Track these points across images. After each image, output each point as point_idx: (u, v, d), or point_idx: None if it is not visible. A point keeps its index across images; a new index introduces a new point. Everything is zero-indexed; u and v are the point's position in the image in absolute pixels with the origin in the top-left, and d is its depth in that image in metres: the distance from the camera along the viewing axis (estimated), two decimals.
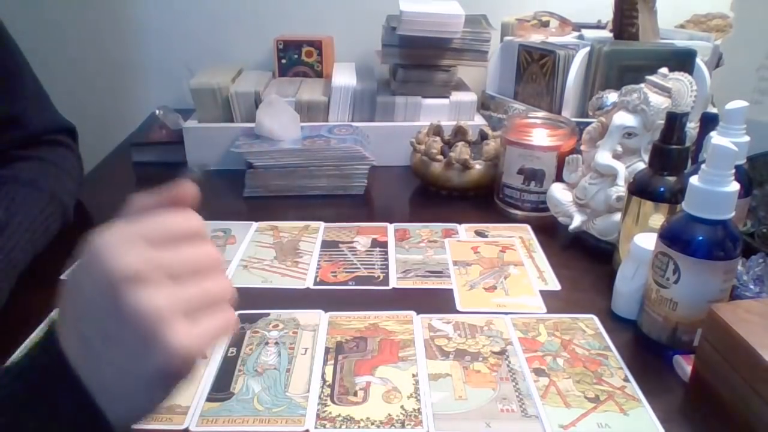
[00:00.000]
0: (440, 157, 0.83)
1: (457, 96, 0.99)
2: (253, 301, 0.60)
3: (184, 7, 1.19)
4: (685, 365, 0.49)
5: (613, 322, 0.57)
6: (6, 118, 0.65)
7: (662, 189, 0.58)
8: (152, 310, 0.29)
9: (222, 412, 0.46)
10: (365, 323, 0.57)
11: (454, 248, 0.71)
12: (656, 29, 0.95)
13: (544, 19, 1.07)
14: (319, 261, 0.68)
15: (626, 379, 0.49)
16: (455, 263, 0.67)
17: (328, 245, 0.72)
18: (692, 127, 0.70)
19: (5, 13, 0.68)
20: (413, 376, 0.50)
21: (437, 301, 0.60)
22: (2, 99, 0.65)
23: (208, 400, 0.47)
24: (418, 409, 0.46)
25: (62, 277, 0.61)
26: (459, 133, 0.92)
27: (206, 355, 0.51)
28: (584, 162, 0.70)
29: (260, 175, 0.85)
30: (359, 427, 0.44)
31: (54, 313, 0.31)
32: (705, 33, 1.02)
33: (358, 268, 0.67)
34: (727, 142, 0.46)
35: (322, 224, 0.77)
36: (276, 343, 0.54)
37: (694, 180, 0.47)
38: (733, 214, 0.47)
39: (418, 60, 0.96)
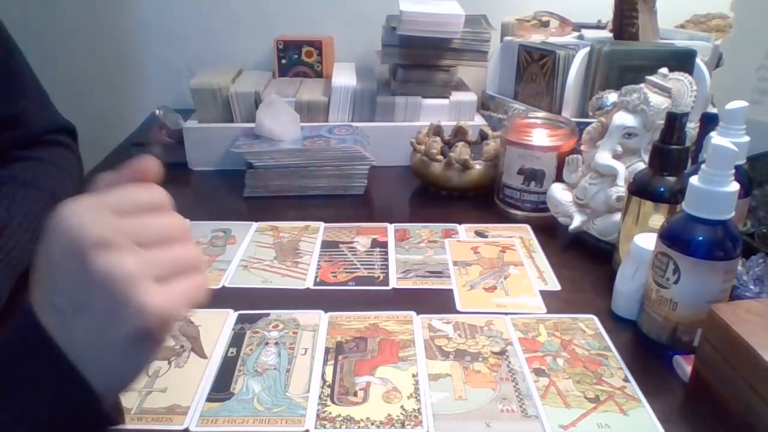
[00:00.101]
0: (440, 157, 0.83)
1: (457, 96, 0.99)
2: (253, 301, 0.60)
3: (184, 8, 1.19)
4: (685, 365, 0.49)
5: (613, 322, 0.57)
6: (6, 118, 0.65)
7: (662, 189, 0.58)
8: (122, 274, 0.29)
9: (222, 412, 0.46)
10: (365, 323, 0.57)
11: (454, 248, 0.71)
12: (656, 29, 0.95)
13: (544, 19, 1.07)
14: (319, 261, 0.68)
15: (626, 380, 0.49)
16: (455, 263, 0.67)
17: (328, 245, 0.72)
18: (692, 127, 0.70)
19: (5, 13, 0.68)
20: (413, 376, 0.50)
21: (437, 302, 0.60)
22: (2, 99, 0.65)
23: (208, 400, 0.47)
24: (418, 409, 0.46)
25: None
26: (459, 133, 0.92)
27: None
28: (584, 162, 0.70)
29: (260, 175, 0.85)
30: (359, 427, 0.44)
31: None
32: (705, 33, 1.02)
33: (358, 268, 0.67)
34: (727, 142, 0.46)
35: (322, 224, 0.77)
36: (276, 344, 0.54)
37: (694, 180, 0.47)
38: (733, 214, 0.47)
39: (418, 60, 0.96)
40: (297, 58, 1.11)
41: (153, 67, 1.24)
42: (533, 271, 0.66)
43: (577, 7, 1.12)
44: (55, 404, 0.30)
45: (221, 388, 0.48)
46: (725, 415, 0.45)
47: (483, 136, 0.89)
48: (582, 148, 0.71)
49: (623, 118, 0.64)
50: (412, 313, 0.58)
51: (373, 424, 0.45)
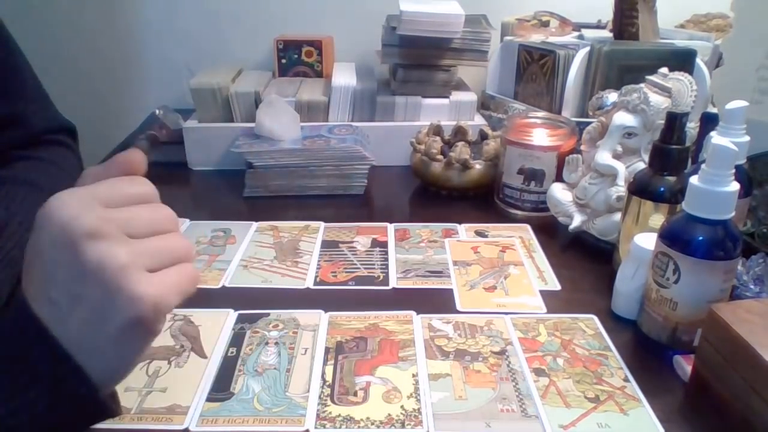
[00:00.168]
0: (440, 157, 0.83)
1: (457, 96, 0.99)
2: (253, 301, 0.60)
3: (184, 7, 1.19)
4: (685, 365, 0.49)
5: (613, 322, 0.57)
6: (6, 118, 0.65)
7: (662, 189, 0.58)
8: (114, 263, 0.29)
9: (222, 412, 0.46)
10: (365, 323, 0.57)
11: (454, 248, 0.71)
12: (656, 29, 0.95)
13: (544, 19, 1.07)
14: (319, 261, 0.68)
15: (626, 379, 0.49)
16: (455, 263, 0.67)
17: (328, 245, 0.72)
18: (692, 127, 0.70)
19: (5, 12, 0.68)
20: (413, 376, 0.50)
21: (437, 301, 0.60)
22: (2, 98, 0.65)
23: (208, 400, 0.47)
24: (418, 409, 0.46)
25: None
26: (459, 133, 0.92)
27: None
28: (584, 162, 0.70)
29: (260, 175, 0.85)
30: (359, 427, 0.44)
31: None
32: (705, 33, 1.02)
33: (358, 268, 0.67)
34: (727, 142, 0.46)
35: (322, 224, 0.77)
36: (276, 343, 0.54)
37: (694, 180, 0.47)
38: (733, 214, 0.47)
39: (418, 60, 0.96)
40: (297, 58, 1.11)
41: (153, 67, 1.24)
42: (533, 271, 0.66)
43: (577, 7, 1.12)
44: (53, 395, 0.30)
45: (221, 388, 0.48)
46: (725, 415, 0.45)
47: (483, 136, 0.89)
48: (582, 148, 0.71)
49: (623, 118, 0.64)
50: (412, 313, 0.58)
51: (373, 424, 0.45)
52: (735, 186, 0.46)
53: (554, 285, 0.64)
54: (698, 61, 0.87)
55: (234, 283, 0.64)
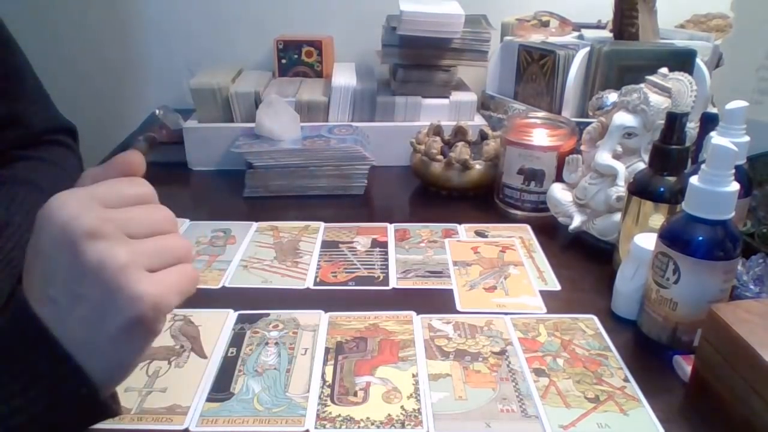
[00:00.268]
0: (440, 157, 0.83)
1: (457, 96, 0.99)
2: (253, 301, 0.60)
3: (184, 8, 1.19)
4: (685, 365, 0.49)
5: (613, 322, 0.57)
6: (7, 118, 0.65)
7: (662, 189, 0.58)
8: (114, 263, 0.29)
9: (222, 412, 0.46)
10: (365, 323, 0.57)
11: (454, 248, 0.71)
12: (656, 29, 0.95)
13: (544, 19, 1.07)
14: (319, 261, 0.68)
15: (626, 380, 0.49)
16: (455, 263, 0.67)
17: (328, 245, 0.72)
18: (692, 127, 0.70)
19: (6, 12, 0.68)
20: (413, 376, 0.50)
21: (437, 301, 0.60)
22: (3, 98, 0.65)
23: (208, 400, 0.47)
24: (418, 409, 0.46)
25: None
26: (459, 133, 0.92)
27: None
28: (584, 162, 0.70)
29: (260, 175, 0.85)
30: (359, 427, 0.44)
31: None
32: (705, 33, 1.02)
33: (358, 268, 0.67)
34: (727, 142, 0.46)
35: (322, 224, 0.77)
36: (276, 344, 0.54)
37: (694, 180, 0.47)
38: (733, 214, 0.47)
39: (418, 60, 0.96)
40: (297, 58, 1.11)
41: (153, 67, 1.24)
42: (533, 271, 0.66)
43: (577, 7, 1.12)
44: (53, 394, 0.30)
45: (221, 388, 0.48)
46: (725, 415, 0.45)
47: (483, 136, 0.89)
48: (582, 148, 0.71)
49: (623, 118, 0.64)
50: (412, 313, 0.58)
51: (373, 424, 0.45)
52: (735, 186, 0.46)
53: (554, 285, 0.64)
54: (698, 61, 0.87)
55: (234, 283, 0.64)
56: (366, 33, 1.08)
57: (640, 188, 0.59)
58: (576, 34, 1.03)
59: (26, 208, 0.61)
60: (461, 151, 0.82)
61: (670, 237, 0.50)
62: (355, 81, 0.97)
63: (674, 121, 0.56)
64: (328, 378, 0.49)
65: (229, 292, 0.62)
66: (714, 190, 0.46)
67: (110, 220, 0.30)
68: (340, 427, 0.44)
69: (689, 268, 0.48)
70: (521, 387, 0.48)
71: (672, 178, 0.57)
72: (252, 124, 0.89)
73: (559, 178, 0.74)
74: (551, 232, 0.74)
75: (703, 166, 0.47)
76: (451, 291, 0.62)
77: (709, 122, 0.66)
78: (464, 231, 0.76)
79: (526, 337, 0.55)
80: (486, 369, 0.50)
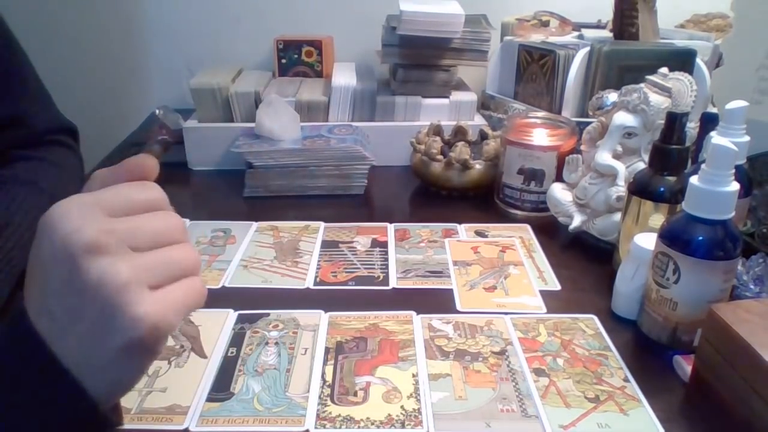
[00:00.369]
0: (440, 157, 0.83)
1: (457, 96, 0.99)
2: (253, 301, 0.60)
3: (184, 8, 1.19)
4: (685, 365, 0.49)
5: (613, 322, 0.57)
6: (8, 118, 0.65)
7: (662, 189, 0.58)
8: (113, 281, 0.28)
9: (222, 412, 0.46)
10: (365, 323, 0.57)
11: (454, 248, 0.71)
12: (656, 29, 0.95)
13: (544, 19, 1.07)
14: (319, 261, 0.68)
15: (626, 379, 0.49)
16: (455, 263, 0.67)
17: (328, 245, 0.72)
18: (692, 127, 0.70)
19: (7, 13, 0.68)
20: (413, 376, 0.50)
21: (437, 301, 0.60)
22: (5, 98, 0.65)
23: (208, 400, 0.47)
24: (418, 409, 0.46)
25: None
26: (459, 133, 0.92)
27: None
28: (584, 162, 0.70)
29: (260, 175, 0.85)
30: (359, 427, 0.44)
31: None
32: (705, 33, 1.02)
33: (358, 268, 0.67)
34: (727, 142, 0.46)
35: (322, 224, 0.77)
36: (276, 343, 0.54)
37: (694, 180, 0.47)
38: (733, 214, 0.47)
39: (418, 60, 0.96)
40: (297, 58, 1.11)
41: (153, 67, 1.24)
42: (533, 271, 0.66)
43: (577, 7, 1.12)
44: (50, 410, 0.29)
45: (221, 388, 0.48)
46: (725, 415, 0.45)
47: (483, 136, 0.89)
48: (582, 148, 0.71)
49: (623, 118, 0.64)
50: (412, 313, 0.58)
51: (373, 424, 0.45)
52: (735, 186, 0.46)
53: (554, 285, 0.64)
54: (698, 61, 0.87)
55: (234, 283, 0.64)
56: (366, 33, 1.08)
57: (640, 188, 0.59)
58: (576, 34, 1.03)
59: (26, 208, 0.61)
60: (461, 151, 0.82)
61: (670, 237, 0.50)
62: (355, 81, 0.97)
63: (674, 121, 0.56)
64: (328, 378, 0.49)
65: (229, 291, 0.62)
66: (714, 190, 0.46)
67: (113, 233, 0.29)
68: (340, 427, 0.44)
69: (689, 268, 0.48)
70: (521, 387, 0.48)
71: (672, 178, 0.57)
72: (252, 124, 0.89)
73: (559, 178, 0.74)
74: (551, 232, 0.74)
75: (703, 166, 0.47)
76: (451, 291, 0.62)
77: (709, 122, 0.66)
78: (464, 231, 0.76)
79: (526, 337, 0.55)
80: (486, 369, 0.50)
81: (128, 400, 0.46)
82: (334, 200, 0.85)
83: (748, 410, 0.43)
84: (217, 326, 0.56)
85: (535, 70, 0.94)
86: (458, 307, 0.60)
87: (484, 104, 1.06)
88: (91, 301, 0.28)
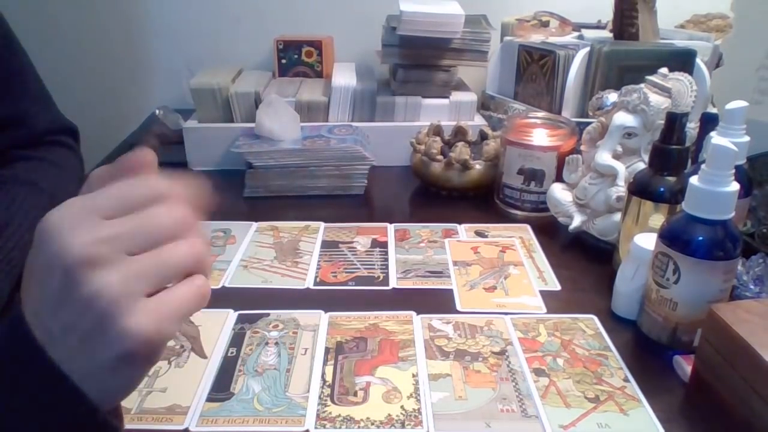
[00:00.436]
0: (440, 157, 0.83)
1: (457, 96, 0.99)
2: (253, 302, 0.60)
3: (184, 8, 1.19)
4: (685, 365, 0.49)
5: (613, 322, 0.57)
6: (9, 118, 0.65)
7: (662, 189, 0.58)
8: (106, 293, 0.27)
9: (222, 412, 0.46)
10: (365, 323, 0.57)
11: (454, 248, 0.71)
12: (656, 29, 0.95)
13: (544, 19, 1.07)
14: (319, 261, 0.68)
15: (626, 380, 0.49)
16: (455, 263, 0.67)
17: (328, 245, 0.72)
18: (692, 127, 0.70)
19: (8, 12, 0.68)
20: (413, 376, 0.50)
21: (437, 301, 0.60)
22: (5, 99, 0.65)
23: (208, 400, 0.47)
24: (418, 409, 0.46)
25: None
26: (459, 133, 0.92)
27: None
28: (584, 162, 0.70)
29: (260, 175, 0.85)
30: (359, 427, 0.44)
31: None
32: (705, 33, 1.02)
33: (358, 268, 0.67)
34: (727, 142, 0.46)
35: (322, 224, 0.77)
36: (276, 343, 0.54)
37: (694, 180, 0.47)
38: (733, 214, 0.47)
39: (418, 60, 0.96)
40: (297, 58, 1.11)
41: (153, 67, 1.24)
42: (533, 271, 0.66)
43: (577, 7, 1.12)
44: (50, 415, 0.29)
45: (221, 388, 0.48)
46: (725, 415, 0.45)
47: (483, 136, 0.89)
48: (582, 148, 0.71)
49: (623, 118, 0.64)
50: (412, 313, 0.58)
51: (373, 424, 0.45)
52: (735, 186, 0.46)
53: (554, 285, 0.64)
54: (698, 61, 0.87)
55: (234, 283, 0.64)
56: (366, 33, 1.08)
57: (640, 188, 0.59)
58: (576, 34, 1.03)
59: (26, 209, 0.61)
60: (461, 151, 0.82)
61: (670, 237, 0.50)
62: (355, 81, 0.97)
63: (674, 121, 0.56)
64: (328, 378, 0.49)
65: (229, 292, 0.62)
66: (714, 190, 0.46)
67: (107, 241, 0.28)
68: (340, 427, 0.44)
69: (689, 268, 0.48)
70: (521, 387, 0.48)
71: (672, 178, 0.57)
72: (252, 124, 0.89)
73: (559, 178, 0.74)
74: (551, 232, 0.74)
75: (703, 166, 0.47)
76: (451, 291, 0.62)
77: (709, 122, 0.66)
78: (464, 231, 0.76)
79: (526, 337, 0.55)
80: (486, 369, 0.50)
81: (128, 400, 0.46)
82: (334, 200, 0.85)
83: (748, 410, 0.43)
84: (217, 326, 0.56)
85: (535, 71, 0.94)
86: (458, 307, 0.60)
87: (484, 104, 1.06)
88: (82, 315, 0.28)
